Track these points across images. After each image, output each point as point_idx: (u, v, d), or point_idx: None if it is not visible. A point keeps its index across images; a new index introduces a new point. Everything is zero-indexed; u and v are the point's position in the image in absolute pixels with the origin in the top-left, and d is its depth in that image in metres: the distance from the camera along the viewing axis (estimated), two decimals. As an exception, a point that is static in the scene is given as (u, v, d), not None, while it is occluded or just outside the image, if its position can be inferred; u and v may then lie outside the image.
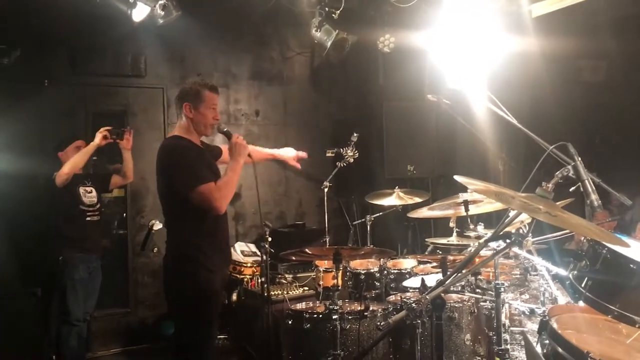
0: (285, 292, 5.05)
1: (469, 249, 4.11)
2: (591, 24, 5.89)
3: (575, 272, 2.30)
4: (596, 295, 2.11)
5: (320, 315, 3.49)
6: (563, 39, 5.96)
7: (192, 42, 6.42)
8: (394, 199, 5.30)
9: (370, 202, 5.49)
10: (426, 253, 5.07)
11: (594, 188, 2.41)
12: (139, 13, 4.88)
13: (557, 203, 3.47)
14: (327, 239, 5.62)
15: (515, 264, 4.12)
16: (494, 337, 3.36)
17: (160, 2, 4.68)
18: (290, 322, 3.69)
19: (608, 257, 2.13)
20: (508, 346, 3.42)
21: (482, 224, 4.17)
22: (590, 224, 2.06)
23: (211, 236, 3.32)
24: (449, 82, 4.23)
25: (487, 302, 3.74)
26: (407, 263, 4.95)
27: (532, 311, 3.52)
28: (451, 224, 4.30)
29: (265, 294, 4.42)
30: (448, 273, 3.54)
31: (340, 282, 4.91)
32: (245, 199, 6.69)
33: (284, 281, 5.40)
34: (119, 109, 6.25)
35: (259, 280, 5.34)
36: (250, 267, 5.53)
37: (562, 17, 5.92)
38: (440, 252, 4.78)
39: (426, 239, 4.92)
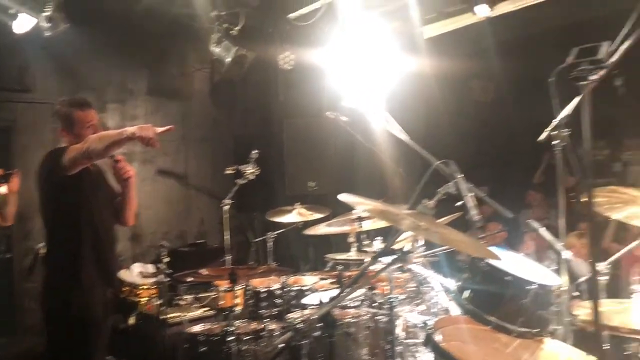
0: (184, 314, 4.90)
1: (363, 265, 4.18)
2: (479, 46, 6.23)
3: (458, 284, 2.40)
4: (476, 307, 2.21)
5: (216, 338, 3.41)
6: (454, 60, 6.27)
7: (85, 55, 6.14)
8: (295, 216, 5.31)
9: (272, 219, 5.46)
10: (327, 269, 5.10)
11: (475, 204, 2.53)
12: (22, 24, 4.59)
13: (443, 218, 3.62)
14: (228, 258, 5.52)
15: (410, 277, 4.23)
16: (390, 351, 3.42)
17: (45, 13, 4.44)
18: (186, 346, 3.58)
19: (486, 269, 2.23)
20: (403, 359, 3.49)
21: (379, 238, 4.26)
22: (469, 239, 2.15)
23: (82, 250, 3.18)
24: (345, 100, 4.30)
25: (383, 316, 3.80)
26: (308, 280, 4.96)
27: (425, 323, 3.62)
28: (350, 239, 4.36)
29: (162, 317, 4.27)
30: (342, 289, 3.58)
31: (241, 302, 4.84)
32: (142, 218, 6.45)
33: (183, 302, 5.24)
34: (5, 124, 5.86)
35: (156, 303, 5.15)
36: (148, 289, 5.33)
37: (452, 39, 6.23)
38: (341, 268, 4.83)
39: (326, 255, 4.97)
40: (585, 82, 1.48)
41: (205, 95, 7.14)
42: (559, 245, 2.72)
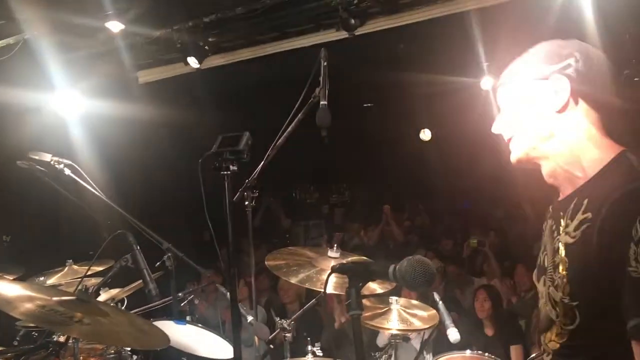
0: None
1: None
2: (194, 96, 6.29)
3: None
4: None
5: None
6: (171, 107, 6.20)
7: None
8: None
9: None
10: (17, 338, 4.47)
11: (152, 277, 2.43)
12: None
13: (130, 286, 3.45)
14: None
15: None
16: None
17: None
18: None
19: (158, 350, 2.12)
20: None
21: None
22: (138, 327, 2.01)
23: None
24: (31, 152, 3.86)
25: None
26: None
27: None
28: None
29: None
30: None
31: None
32: None
33: None
34: None
35: None
36: None
37: (169, 86, 6.17)
38: (35, 335, 4.29)
39: (16, 323, 4.38)
40: (226, 172, 1.48)
41: None
42: (243, 309, 2.77)
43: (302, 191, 8.80)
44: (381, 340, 4.26)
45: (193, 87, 5.95)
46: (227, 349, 2.24)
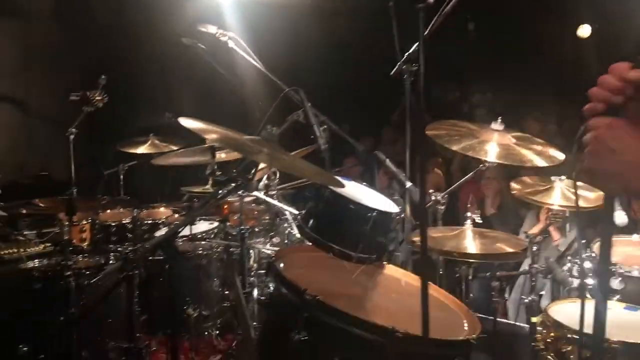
0: (22, 250, 4.50)
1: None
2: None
3: (303, 212, 2.38)
4: (318, 234, 2.21)
5: (52, 273, 3.18)
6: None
7: None
8: (149, 147, 5.07)
9: (125, 150, 5.18)
10: (182, 202, 4.95)
11: (321, 133, 2.51)
12: None
13: (298, 151, 3.60)
14: (75, 191, 5.15)
15: (265, 209, 4.22)
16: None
17: None
18: (19, 284, 3.31)
19: (329, 197, 2.22)
20: (255, 289, 3.50)
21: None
22: (313, 167, 2.11)
23: None
24: (199, 24, 4.04)
25: (236, 248, 3.78)
26: (162, 213, 4.80)
27: (277, 253, 3.65)
28: (207, 172, 4.23)
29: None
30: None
31: (88, 236, 4.58)
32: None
33: (22, 238, 4.82)
34: None
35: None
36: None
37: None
38: (197, 201, 4.71)
39: (181, 187, 4.84)
40: (422, 4, 1.45)
41: (48, 14, 6.41)
42: (402, 176, 2.81)
43: (442, 88, 8.52)
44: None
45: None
46: (392, 206, 2.30)
